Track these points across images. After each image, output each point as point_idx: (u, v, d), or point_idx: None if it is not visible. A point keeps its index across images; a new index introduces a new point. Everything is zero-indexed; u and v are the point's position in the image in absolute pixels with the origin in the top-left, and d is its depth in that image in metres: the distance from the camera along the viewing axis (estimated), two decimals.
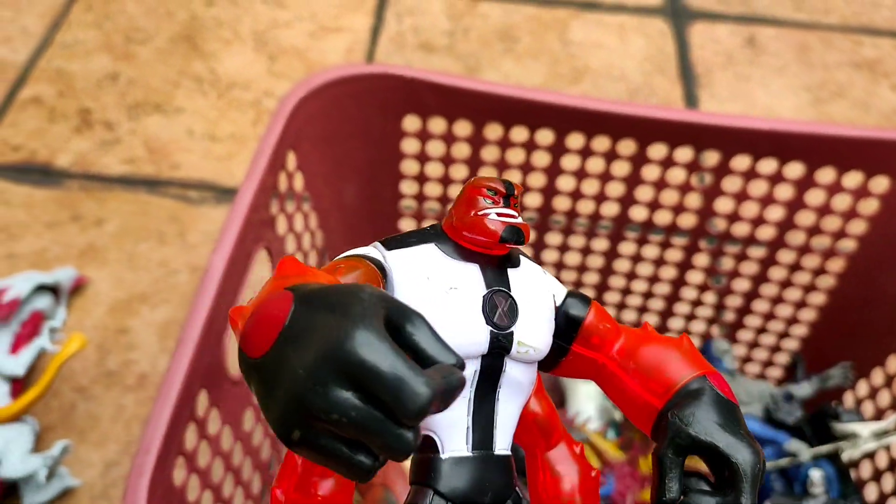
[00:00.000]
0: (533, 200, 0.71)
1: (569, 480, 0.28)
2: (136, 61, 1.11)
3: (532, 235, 0.73)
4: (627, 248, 0.73)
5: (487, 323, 0.25)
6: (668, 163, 0.65)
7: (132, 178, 0.98)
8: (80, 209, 0.95)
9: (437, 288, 0.24)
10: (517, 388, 0.26)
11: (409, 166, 0.70)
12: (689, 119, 0.61)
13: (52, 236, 0.92)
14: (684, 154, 0.64)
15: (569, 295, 0.28)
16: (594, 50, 1.17)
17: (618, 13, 1.22)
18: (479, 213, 0.25)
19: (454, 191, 0.71)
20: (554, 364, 0.29)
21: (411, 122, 0.67)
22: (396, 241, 0.26)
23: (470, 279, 0.25)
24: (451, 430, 0.24)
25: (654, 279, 0.73)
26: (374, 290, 0.19)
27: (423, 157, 0.68)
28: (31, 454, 0.70)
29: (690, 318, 0.76)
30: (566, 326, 0.28)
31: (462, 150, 0.68)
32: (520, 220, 0.26)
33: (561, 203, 0.70)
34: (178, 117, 1.05)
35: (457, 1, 1.23)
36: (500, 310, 0.25)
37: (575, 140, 0.65)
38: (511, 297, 0.25)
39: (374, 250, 0.26)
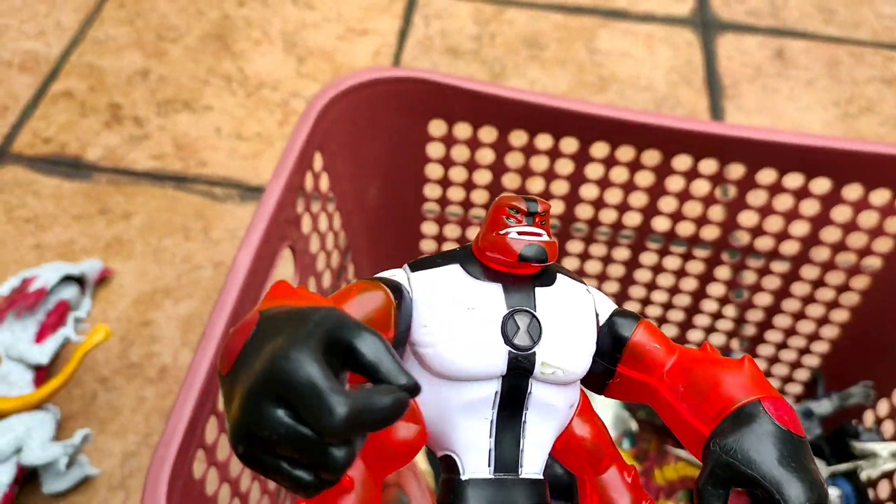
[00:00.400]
0: (555, 208, 0.71)
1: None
2: (167, 59, 1.13)
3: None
4: (649, 258, 0.73)
5: (506, 343, 0.24)
6: (692, 174, 0.65)
7: (160, 173, 1.00)
8: (107, 202, 0.96)
9: (455, 308, 0.24)
10: (548, 410, 0.25)
11: (433, 170, 0.70)
12: (715, 131, 0.61)
13: (80, 228, 0.94)
14: (709, 166, 0.64)
15: (615, 313, 0.28)
16: (621, 59, 1.17)
17: (646, 23, 1.22)
18: (501, 232, 0.25)
19: (477, 196, 0.71)
20: (602, 386, 0.28)
21: (437, 127, 0.67)
22: (423, 262, 0.26)
23: (490, 299, 0.25)
24: (472, 451, 0.24)
25: (674, 290, 0.73)
26: (330, 312, 0.20)
27: (447, 162, 0.69)
28: (52, 442, 0.72)
29: (710, 330, 0.76)
30: (611, 346, 0.27)
31: (486, 155, 0.68)
32: (545, 237, 0.25)
33: (583, 211, 0.70)
34: (206, 115, 1.06)
35: (484, 6, 1.23)
36: (521, 330, 0.24)
37: (599, 149, 0.65)
38: (535, 316, 0.25)
39: (399, 272, 0.26)
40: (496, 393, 0.24)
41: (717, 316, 0.75)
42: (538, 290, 0.26)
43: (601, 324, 0.27)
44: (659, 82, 1.13)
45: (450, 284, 0.25)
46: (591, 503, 0.27)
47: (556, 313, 0.25)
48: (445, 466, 0.25)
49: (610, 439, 0.28)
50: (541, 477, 0.25)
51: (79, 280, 0.85)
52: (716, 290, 0.73)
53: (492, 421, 0.24)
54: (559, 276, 0.27)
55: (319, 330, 0.19)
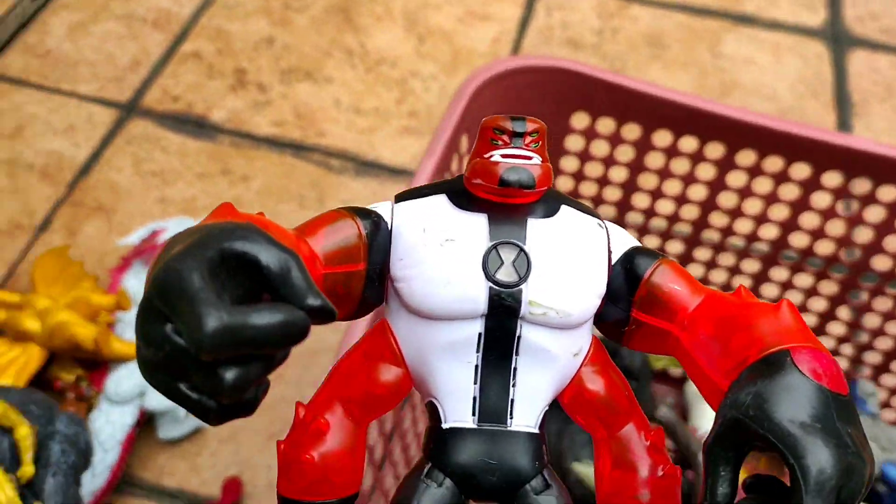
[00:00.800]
0: (689, 213, 0.70)
1: (635, 473, 0.23)
2: (292, 28, 1.15)
3: (678, 248, 0.72)
4: (779, 273, 0.71)
5: (487, 278, 0.22)
6: (838, 191, 0.63)
7: (279, 140, 1.02)
8: (229, 164, 0.99)
9: (431, 239, 0.22)
10: (543, 356, 0.22)
11: (568, 163, 0.70)
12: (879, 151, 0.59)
13: (202, 186, 0.97)
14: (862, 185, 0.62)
15: (632, 250, 0.24)
16: (745, 66, 1.13)
17: (774, 30, 1.19)
18: (485, 156, 0.22)
19: (609, 193, 0.70)
20: (619, 334, 0.24)
21: (579, 119, 0.67)
22: (412, 192, 0.24)
23: (472, 230, 0.22)
24: (454, 398, 0.22)
25: (802, 309, 0.71)
26: (234, 225, 0.18)
27: (584, 156, 0.68)
28: None
29: (834, 354, 0.73)
30: (626, 288, 0.23)
31: (626, 153, 0.67)
32: (535, 160, 0.22)
33: (718, 219, 0.69)
34: (327, 86, 1.08)
35: (608, 0, 1.22)
36: (504, 264, 0.22)
37: (745, 157, 0.64)
38: (522, 249, 0.22)
39: (386, 203, 0.24)
40: (479, 335, 0.22)
41: (843, 340, 0.72)
42: (532, 221, 0.23)
43: (614, 262, 0.23)
44: (784, 93, 1.10)
45: (430, 214, 0.23)
46: (604, 464, 0.24)
47: (551, 247, 0.22)
48: (429, 413, 0.23)
49: (629, 395, 0.24)
50: (535, 430, 0.22)
51: None
52: (844, 313, 0.71)
53: (476, 366, 0.22)
54: (564, 207, 0.24)
55: (215, 242, 0.18)
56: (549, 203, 0.23)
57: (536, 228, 0.22)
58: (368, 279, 0.23)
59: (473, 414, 0.22)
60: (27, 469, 0.57)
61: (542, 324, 0.22)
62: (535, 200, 0.23)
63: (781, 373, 0.19)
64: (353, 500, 0.22)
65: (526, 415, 0.22)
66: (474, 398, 0.22)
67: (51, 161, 0.98)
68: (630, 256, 0.23)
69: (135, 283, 0.82)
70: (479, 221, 0.22)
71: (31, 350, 0.73)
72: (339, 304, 0.22)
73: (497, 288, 0.21)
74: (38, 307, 0.74)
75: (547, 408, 0.23)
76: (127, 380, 0.73)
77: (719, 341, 0.21)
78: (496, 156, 0.22)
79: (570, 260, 0.22)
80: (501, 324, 0.22)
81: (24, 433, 0.58)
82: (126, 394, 0.73)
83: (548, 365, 0.22)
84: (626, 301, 0.23)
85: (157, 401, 0.73)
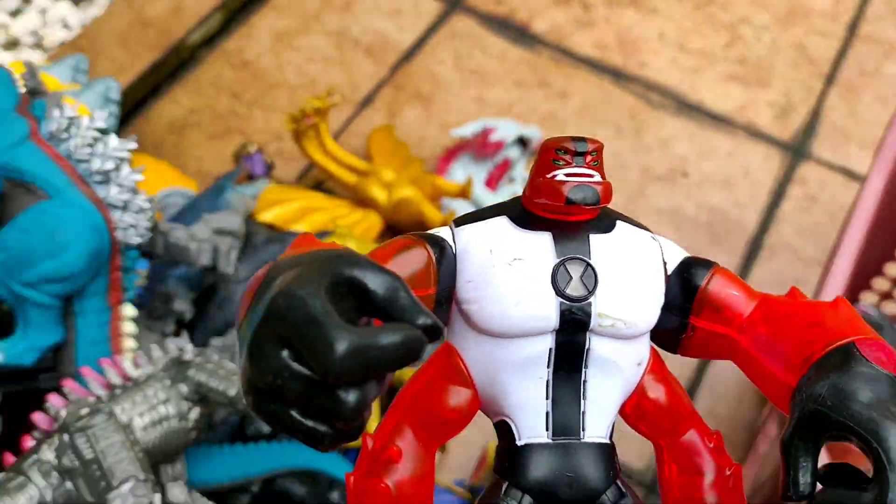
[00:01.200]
0: None
1: (701, 476, 0.23)
2: None
3: None
4: None
5: (557, 294, 0.22)
6: None
7: (599, 63, 0.98)
8: (547, 77, 0.97)
9: (499, 260, 0.22)
10: (611, 368, 0.23)
11: None
12: None
13: (519, 94, 0.95)
14: None
15: (686, 260, 0.24)
16: None
17: None
18: (548, 176, 0.23)
19: None
20: (676, 342, 0.25)
21: None
22: (470, 216, 0.24)
23: (539, 249, 0.23)
24: (528, 414, 0.22)
25: None
26: (338, 252, 0.18)
27: None
28: None
29: None
30: (683, 296, 0.24)
31: None
32: (596, 178, 0.22)
33: None
34: (651, 17, 1.03)
35: None
36: (573, 279, 0.22)
37: None
38: (589, 264, 0.22)
39: (445, 229, 0.24)
40: (550, 350, 0.22)
41: None
42: (593, 237, 0.23)
43: (670, 273, 0.24)
44: None
45: (495, 236, 0.23)
46: (670, 471, 0.24)
47: (614, 261, 0.23)
48: (501, 433, 0.23)
49: (689, 402, 0.25)
50: (607, 441, 0.23)
51: (522, 143, 0.87)
52: None
53: (547, 381, 0.22)
54: (619, 223, 0.24)
55: (325, 268, 0.18)
56: (606, 219, 0.24)
57: (598, 244, 0.23)
58: (437, 303, 0.23)
59: (547, 429, 0.22)
60: None
61: (610, 335, 0.23)
62: (594, 217, 0.24)
63: (851, 364, 0.20)
64: None
65: (597, 426, 0.23)
66: (547, 413, 0.22)
67: (376, 41, 0.99)
68: (686, 266, 0.24)
69: (461, 174, 0.82)
70: (544, 240, 0.23)
71: (371, 217, 0.75)
72: None
73: (567, 303, 0.22)
74: (383, 178, 0.75)
75: (616, 418, 0.23)
76: None
77: (782, 340, 0.22)
78: (560, 175, 0.22)
79: (633, 272, 0.23)
80: (572, 338, 0.22)
81: None
82: None
83: (615, 375, 0.23)
84: (683, 309, 0.24)
85: None
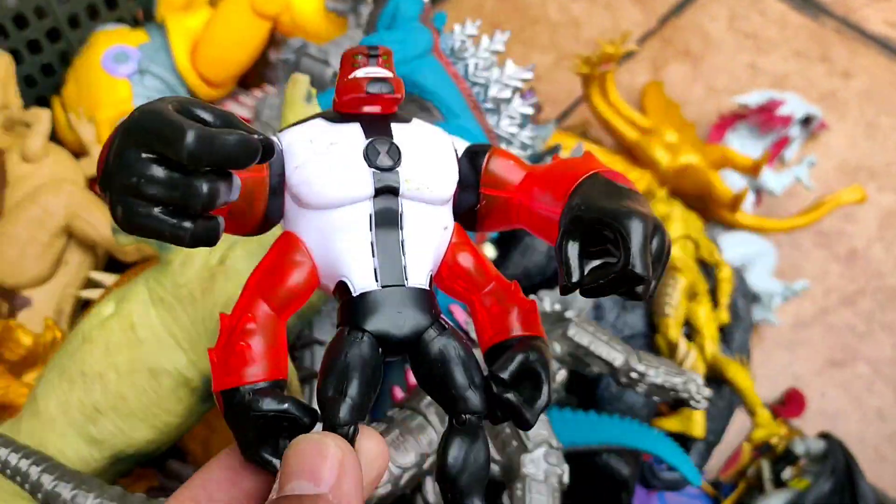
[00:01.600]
0: None
1: (507, 313, 0.28)
2: None
3: None
4: None
5: (370, 166, 0.26)
6: None
7: (892, 43, 0.88)
8: (830, 52, 0.88)
9: (319, 147, 0.27)
10: (422, 227, 0.27)
11: None
12: None
13: (797, 66, 0.87)
14: None
15: (469, 147, 0.29)
16: None
17: None
18: (350, 77, 0.27)
19: None
20: (474, 217, 0.29)
21: None
22: (291, 125, 0.28)
23: (350, 135, 0.27)
24: (359, 271, 0.26)
25: None
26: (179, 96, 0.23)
27: None
28: (773, 277, 0.69)
29: None
30: (472, 172, 0.29)
31: None
32: (389, 74, 0.27)
33: None
34: None
35: None
36: (381, 153, 0.26)
37: None
38: (393, 143, 0.27)
39: (272, 136, 0.27)
40: (370, 215, 0.26)
41: None
42: (394, 125, 0.28)
43: (459, 157, 0.29)
44: None
45: (313, 131, 0.27)
46: (482, 317, 0.28)
47: (413, 142, 0.27)
48: (340, 292, 0.27)
49: (490, 264, 0.29)
50: (426, 287, 0.27)
51: (802, 121, 0.79)
52: None
53: (372, 242, 0.26)
54: (415, 119, 0.29)
55: (171, 99, 0.22)
56: (403, 115, 0.29)
57: (399, 130, 0.28)
58: (271, 191, 0.27)
59: (377, 280, 0.26)
60: (723, 314, 0.54)
61: (416, 199, 0.27)
62: (394, 112, 0.28)
63: (595, 183, 0.26)
64: (283, 384, 0.26)
65: (417, 276, 0.26)
66: (375, 268, 0.26)
67: None
68: (470, 151, 0.29)
69: (737, 145, 0.76)
70: (354, 128, 0.27)
71: (646, 178, 0.71)
72: (244, 219, 0.26)
73: (379, 172, 0.26)
74: (665, 138, 0.71)
75: (433, 271, 0.28)
76: (735, 247, 0.68)
77: (547, 187, 0.27)
78: (360, 73, 0.27)
79: (429, 151, 0.28)
80: (387, 204, 0.26)
81: (727, 275, 0.54)
82: (730, 261, 0.68)
83: (426, 234, 0.27)
84: (474, 185, 0.29)
85: (753, 279, 0.68)
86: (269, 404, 0.24)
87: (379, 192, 0.26)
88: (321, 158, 0.26)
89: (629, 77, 0.87)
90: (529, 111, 0.41)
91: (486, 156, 0.28)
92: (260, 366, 0.25)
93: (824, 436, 0.65)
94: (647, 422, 0.50)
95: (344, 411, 0.24)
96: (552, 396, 0.27)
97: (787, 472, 0.64)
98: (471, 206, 0.29)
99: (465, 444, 0.25)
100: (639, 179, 0.70)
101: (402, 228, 0.26)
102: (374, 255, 0.26)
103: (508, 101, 0.40)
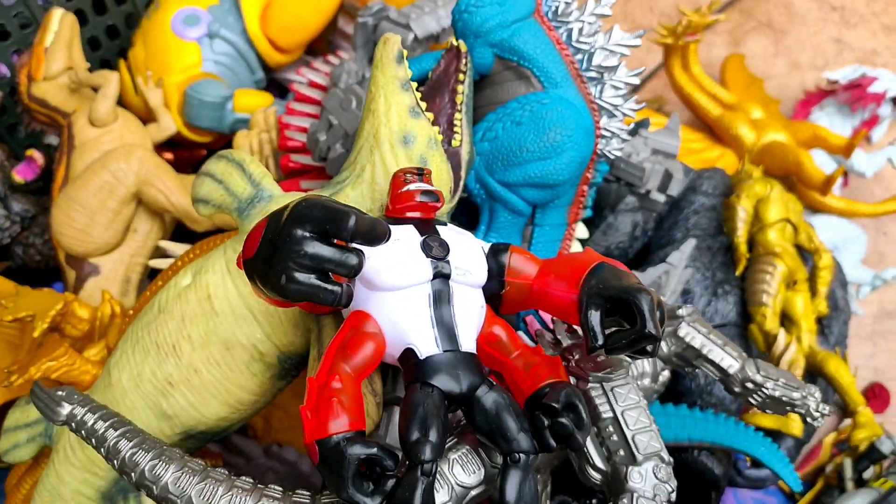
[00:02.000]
0: None
1: (537, 367, 0.34)
2: None
3: None
4: None
5: (427, 256, 0.33)
6: None
7: None
8: None
9: (389, 241, 0.32)
10: (468, 303, 0.34)
11: None
12: None
13: (886, 42, 0.82)
14: None
15: (492, 246, 0.37)
16: None
17: None
18: (403, 189, 0.35)
19: None
20: (500, 300, 0.37)
21: None
22: None
23: (408, 233, 0.34)
24: (423, 339, 0.33)
25: None
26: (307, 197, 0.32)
27: None
28: (862, 265, 0.65)
29: None
30: (497, 267, 0.36)
31: None
32: (433, 188, 0.35)
33: None
34: None
35: None
36: (434, 247, 0.34)
37: None
38: (442, 239, 0.34)
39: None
40: (429, 295, 0.33)
41: None
42: (438, 227, 0.35)
43: (487, 253, 0.36)
44: None
45: None
46: (515, 375, 0.34)
47: (454, 239, 0.35)
48: (406, 358, 0.33)
49: (517, 336, 0.36)
50: (475, 352, 0.34)
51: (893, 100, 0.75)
52: None
53: (431, 316, 0.33)
54: (449, 224, 0.37)
55: (317, 196, 0.30)
56: (440, 221, 0.37)
57: (442, 230, 0.35)
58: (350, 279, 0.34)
59: (438, 346, 0.33)
60: (821, 304, 0.51)
61: (463, 282, 0.34)
62: (433, 217, 0.36)
63: (603, 269, 0.34)
64: (363, 434, 0.31)
65: (468, 342, 0.34)
66: (435, 337, 0.33)
67: None
68: (494, 249, 0.37)
69: (825, 123, 0.72)
70: (410, 228, 0.35)
71: (727, 156, 0.67)
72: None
73: (435, 261, 0.34)
74: (750, 115, 0.67)
75: (477, 336, 0.35)
76: (823, 232, 0.64)
77: (560, 276, 0.35)
78: (412, 187, 0.35)
79: (467, 245, 0.36)
80: (441, 286, 0.34)
81: (827, 263, 0.51)
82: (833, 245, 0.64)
83: (470, 310, 0.34)
84: (500, 273, 0.36)
85: (846, 268, 0.64)
86: (359, 449, 0.29)
87: (436, 276, 0.33)
88: (389, 251, 0.33)
89: (706, 49, 0.83)
90: (636, 81, 0.38)
91: (508, 253, 0.36)
92: (347, 418, 0.30)
93: None
94: (737, 416, 0.48)
95: (428, 451, 0.29)
96: (590, 422, 0.32)
97: (870, 472, 0.61)
98: (495, 292, 0.36)
99: (519, 478, 0.30)
100: (719, 158, 0.66)
101: (452, 306, 0.33)
102: (433, 327, 0.32)
103: (614, 69, 0.37)
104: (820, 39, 0.83)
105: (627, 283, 0.32)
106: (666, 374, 0.40)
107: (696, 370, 0.39)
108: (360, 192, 0.37)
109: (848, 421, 0.65)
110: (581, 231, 0.43)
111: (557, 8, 0.38)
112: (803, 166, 0.63)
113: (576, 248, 0.43)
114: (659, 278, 0.45)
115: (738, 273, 0.48)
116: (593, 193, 0.42)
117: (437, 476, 0.32)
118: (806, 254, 0.52)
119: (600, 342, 0.31)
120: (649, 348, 0.31)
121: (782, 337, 0.45)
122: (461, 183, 0.38)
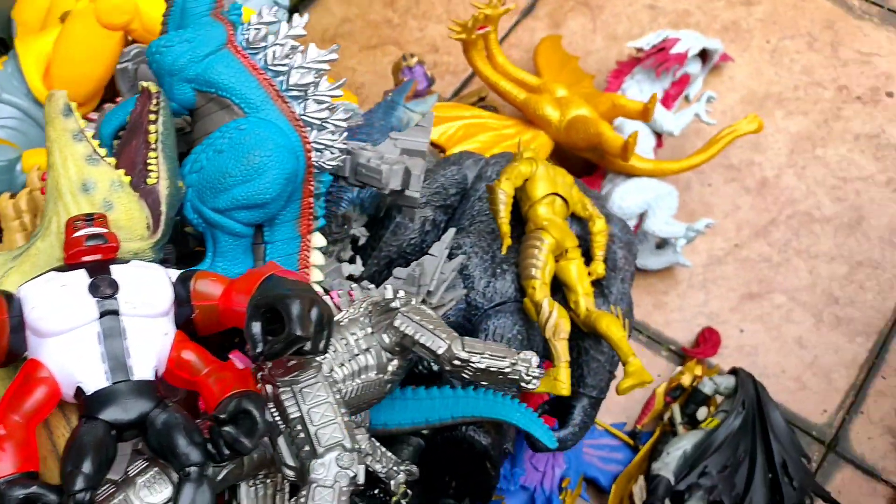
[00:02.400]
0: None
1: (226, 381, 0.36)
2: None
3: None
4: None
5: (94, 297, 0.36)
6: None
7: None
8: None
9: (52, 288, 0.36)
10: (146, 334, 0.37)
11: None
12: None
13: (698, 1, 0.85)
14: None
15: (182, 273, 0.39)
16: None
17: None
18: (73, 236, 0.38)
19: None
20: (191, 325, 0.39)
21: None
22: (30, 279, 0.38)
23: (77, 277, 0.37)
24: (92, 375, 0.35)
25: None
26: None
27: None
28: (675, 219, 0.68)
29: None
30: (185, 292, 0.39)
31: None
32: (103, 231, 0.39)
33: None
34: None
35: None
36: (102, 287, 0.36)
37: None
38: (112, 279, 0.37)
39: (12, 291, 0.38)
40: (98, 333, 0.36)
41: None
42: (113, 266, 0.38)
43: (174, 281, 0.39)
44: None
45: (46, 279, 0.37)
46: (208, 392, 0.37)
47: (132, 275, 0.38)
48: (78, 395, 0.35)
49: (209, 354, 0.38)
50: (152, 378, 0.36)
51: (701, 56, 0.78)
52: None
53: (101, 352, 0.36)
54: (134, 261, 0.39)
55: None
56: (123, 259, 0.39)
57: (116, 270, 0.38)
58: (11, 329, 0.36)
59: (108, 380, 0.35)
60: (598, 266, 0.53)
61: (137, 315, 0.37)
62: (113, 257, 0.39)
63: (270, 280, 0.37)
64: (34, 474, 0.33)
65: (142, 371, 0.36)
66: (106, 371, 0.35)
67: None
68: (181, 277, 0.39)
69: (635, 91, 0.75)
70: (80, 273, 0.37)
71: (541, 137, 0.70)
72: None
73: (101, 300, 0.36)
74: (555, 94, 0.69)
75: (158, 366, 0.37)
76: (634, 194, 0.67)
77: (242, 291, 0.37)
78: (80, 233, 0.38)
79: (143, 280, 0.38)
80: (111, 323, 0.36)
81: (601, 228, 0.53)
82: (630, 209, 0.67)
83: (148, 341, 0.37)
84: (187, 297, 0.39)
85: (657, 226, 0.68)
86: (18, 490, 0.32)
87: (103, 314, 0.35)
88: (54, 297, 0.35)
89: (529, 35, 0.86)
90: (338, 93, 0.40)
91: (194, 278, 0.38)
92: (11, 461, 0.33)
93: (733, 371, 0.64)
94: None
95: (79, 482, 0.32)
96: (268, 425, 0.34)
97: (702, 412, 0.64)
98: (188, 317, 0.38)
99: (192, 491, 0.34)
100: (531, 140, 0.69)
101: (125, 339, 0.36)
102: (104, 361, 0.35)
103: (315, 84, 0.39)
104: (635, 9, 0.86)
105: (281, 291, 0.35)
106: (395, 362, 0.42)
107: (415, 355, 0.41)
108: (48, 243, 0.39)
109: (679, 369, 0.68)
110: (318, 240, 0.45)
111: (249, 36, 0.40)
112: (603, 136, 0.66)
113: (316, 257, 0.45)
114: (413, 270, 0.47)
115: (503, 252, 0.50)
116: (322, 203, 0.44)
117: (123, 501, 0.34)
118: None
119: (259, 350, 0.34)
120: (307, 347, 0.34)
121: (546, 305, 0.48)
122: (162, 217, 0.40)
